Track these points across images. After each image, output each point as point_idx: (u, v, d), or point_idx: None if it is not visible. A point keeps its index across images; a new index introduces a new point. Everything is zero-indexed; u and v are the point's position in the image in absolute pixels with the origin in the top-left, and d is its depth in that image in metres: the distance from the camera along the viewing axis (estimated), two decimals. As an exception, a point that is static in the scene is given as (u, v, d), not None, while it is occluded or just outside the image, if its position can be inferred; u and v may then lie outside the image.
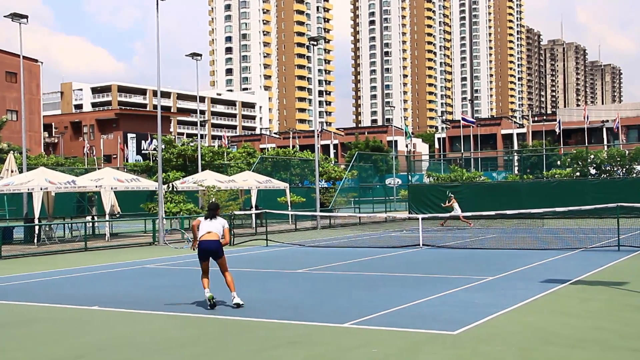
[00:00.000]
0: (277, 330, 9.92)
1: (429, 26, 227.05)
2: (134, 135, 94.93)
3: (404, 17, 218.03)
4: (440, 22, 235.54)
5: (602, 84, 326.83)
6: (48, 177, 27.43)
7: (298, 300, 12.63)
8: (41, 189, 26.43)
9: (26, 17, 29.24)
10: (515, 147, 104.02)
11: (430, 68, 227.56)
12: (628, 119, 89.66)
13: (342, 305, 11.86)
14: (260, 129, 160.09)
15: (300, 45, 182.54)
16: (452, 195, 32.72)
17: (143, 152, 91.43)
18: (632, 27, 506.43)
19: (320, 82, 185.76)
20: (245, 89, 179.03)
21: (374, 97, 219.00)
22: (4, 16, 29.42)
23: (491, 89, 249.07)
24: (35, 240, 26.20)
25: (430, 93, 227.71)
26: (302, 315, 10.96)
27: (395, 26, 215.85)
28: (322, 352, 8.59)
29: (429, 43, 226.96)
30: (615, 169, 44.17)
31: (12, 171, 30.95)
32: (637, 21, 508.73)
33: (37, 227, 26.60)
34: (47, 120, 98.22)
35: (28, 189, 26.79)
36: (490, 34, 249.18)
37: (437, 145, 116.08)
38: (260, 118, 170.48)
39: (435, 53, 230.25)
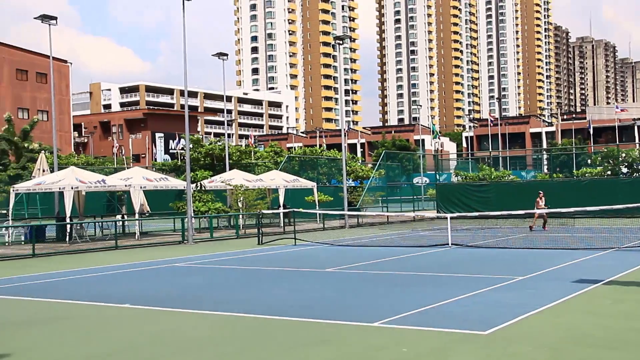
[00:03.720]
0: (306, 329, 9.93)
1: (455, 24, 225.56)
2: (162, 134, 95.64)
3: (429, 15, 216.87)
4: (466, 19, 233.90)
5: (633, 81, 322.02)
6: (78, 176, 27.77)
7: (327, 299, 12.63)
8: (72, 188, 26.76)
9: (55, 18, 29.63)
10: (544, 145, 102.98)
11: (457, 66, 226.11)
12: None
13: (371, 305, 11.84)
14: (287, 128, 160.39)
15: (325, 44, 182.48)
16: (540, 192, 29.95)
17: (171, 151, 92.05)
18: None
19: (346, 81, 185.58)
20: (272, 88, 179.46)
21: (400, 95, 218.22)
22: (34, 18, 29.84)
23: (519, 87, 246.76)
24: (67, 239, 26.53)
25: (457, 92, 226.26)
26: (331, 314, 10.95)
27: (421, 24, 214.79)
28: (352, 352, 8.58)
29: (456, 41, 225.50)
30: (647, 167, 43.55)
31: (43, 170, 31.35)
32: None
33: (68, 226, 26.93)
34: (76, 120, 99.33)
35: (59, 188, 27.15)
36: (517, 32, 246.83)
37: (464, 144, 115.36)
38: (287, 117, 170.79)
39: (461, 51, 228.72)
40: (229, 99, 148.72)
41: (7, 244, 26.58)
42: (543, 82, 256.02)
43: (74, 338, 9.80)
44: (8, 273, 17.86)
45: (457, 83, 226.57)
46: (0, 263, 20.69)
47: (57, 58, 73.47)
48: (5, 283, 15.89)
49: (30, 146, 60.21)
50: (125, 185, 29.12)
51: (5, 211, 32.11)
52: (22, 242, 26.77)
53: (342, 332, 9.68)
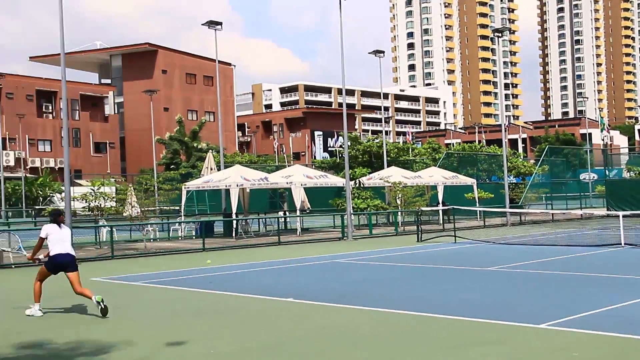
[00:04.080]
0: (470, 329, 9.69)
1: (626, 9, 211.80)
2: (321, 133, 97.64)
3: (596, 1, 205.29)
4: (638, 4, 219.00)
5: None
6: (243, 174, 28.95)
7: (490, 299, 12.28)
8: (237, 186, 27.93)
9: (220, 23, 31.08)
10: None
11: (628, 55, 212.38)
12: None
13: (537, 305, 11.37)
14: (445, 124, 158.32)
15: (484, 37, 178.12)
16: None
17: (329, 149, 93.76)
18: None
19: (505, 74, 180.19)
20: (429, 84, 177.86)
21: (564, 88, 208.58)
22: (201, 24, 31.50)
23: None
24: (234, 234, 27.72)
25: (629, 82, 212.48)
26: (495, 315, 10.62)
27: (587, 12, 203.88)
28: (518, 353, 8.27)
29: (627, 28, 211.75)
30: None
31: (211, 169, 33.01)
32: None
33: (234, 222, 28.13)
34: (240, 120, 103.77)
35: (226, 186, 28.45)
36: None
37: (637, 137, 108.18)
38: (445, 113, 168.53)
39: (633, 38, 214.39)
40: (385, 96, 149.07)
41: (180, 238, 28.24)
42: None
43: (242, 329, 10.19)
44: (181, 266, 18.96)
45: (629, 72, 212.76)
46: (174, 256, 22.01)
47: (222, 61, 77.08)
48: (179, 275, 16.86)
49: (199, 145, 63.73)
50: (287, 183, 29.97)
51: (178, 208, 34.18)
52: (193, 237, 28.33)
53: (508, 333, 9.36)
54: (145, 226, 26.00)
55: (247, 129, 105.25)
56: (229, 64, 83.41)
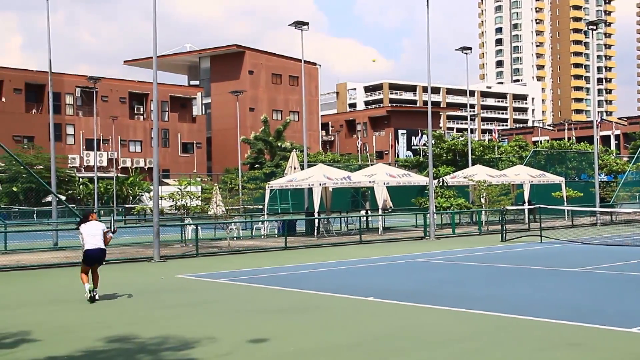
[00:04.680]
0: (555, 331, 9.43)
1: None
2: (405, 131, 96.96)
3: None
4: None
5: None
6: (326, 173, 29.10)
7: (576, 301, 11.91)
8: (320, 185, 28.10)
9: (307, 24, 31.33)
10: None
11: None
12: None
13: (627, 308, 10.95)
14: (533, 121, 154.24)
15: (576, 31, 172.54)
16: None
17: (413, 147, 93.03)
18: None
19: (599, 69, 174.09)
20: (516, 80, 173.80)
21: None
22: (288, 25, 31.83)
23: None
24: (315, 233, 27.90)
25: None
26: (582, 317, 10.30)
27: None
28: (605, 358, 7.99)
29: None
30: None
31: (294, 168, 33.33)
32: None
33: (316, 221, 28.32)
34: (324, 120, 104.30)
35: (309, 185, 28.67)
36: None
37: None
38: (533, 110, 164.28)
39: None
40: (471, 93, 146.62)
41: (262, 236, 28.67)
42: None
43: (323, 327, 10.25)
44: (264, 264, 19.24)
45: None
46: (257, 254, 22.36)
47: (308, 61, 77.62)
48: (262, 273, 17.12)
49: (283, 145, 64.44)
50: (369, 182, 29.94)
51: (261, 206, 34.68)
52: (276, 235, 28.69)
53: (595, 336, 9.06)
54: (229, 224, 26.51)
55: (330, 128, 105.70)
56: (314, 64, 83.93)
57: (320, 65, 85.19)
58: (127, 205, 49.29)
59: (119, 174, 60.54)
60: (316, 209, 28.23)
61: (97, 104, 57.28)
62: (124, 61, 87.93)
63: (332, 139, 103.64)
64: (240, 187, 43.46)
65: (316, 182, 28.00)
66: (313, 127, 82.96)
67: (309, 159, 41.13)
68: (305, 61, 36.60)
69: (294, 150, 40.18)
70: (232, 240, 25.94)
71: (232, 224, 27.63)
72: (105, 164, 65.94)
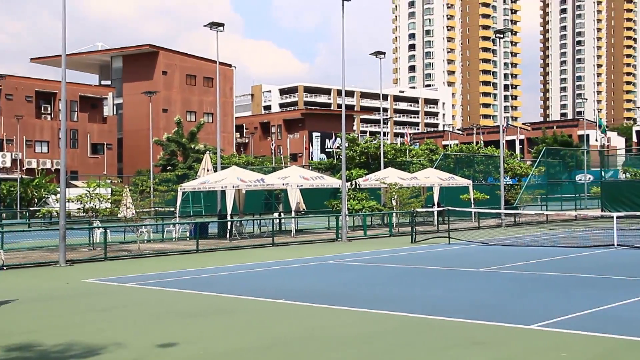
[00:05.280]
0: (460, 330, 9.71)
1: (629, 10, 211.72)
2: (319, 134, 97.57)
3: (599, 2, 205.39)
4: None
5: None
6: (239, 175, 28.93)
7: (481, 300, 12.30)
8: (233, 187, 27.92)
9: (222, 25, 31.05)
10: None
11: (629, 56, 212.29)
12: None
13: (528, 306, 11.39)
14: (443, 125, 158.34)
15: (485, 39, 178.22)
16: None
17: (327, 150, 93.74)
18: None
19: (506, 75, 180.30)
20: (428, 85, 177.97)
21: (563, 89, 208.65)
22: (203, 25, 31.46)
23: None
24: (228, 236, 27.69)
25: (628, 83, 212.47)
26: (486, 315, 10.65)
27: (590, 13, 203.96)
28: (508, 355, 8.29)
29: (628, 29, 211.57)
30: None
31: (207, 170, 32.96)
32: None
33: (229, 223, 28.12)
34: (238, 122, 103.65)
35: (222, 187, 28.43)
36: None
37: (634, 139, 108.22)
38: (443, 114, 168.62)
39: (635, 39, 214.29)
40: (385, 97, 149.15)
41: (174, 239, 28.22)
42: None
43: (233, 330, 10.20)
44: (175, 267, 18.95)
45: (629, 74, 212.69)
46: (168, 257, 21.99)
47: (223, 63, 77.06)
48: (172, 276, 16.86)
49: (196, 147, 63.73)
50: (283, 184, 29.95)
51: (173, 209, 34.13)
52: (188, 238, 28.28)
53: (498, 334, 9.38)
54: (138, 227, 25.98)
55: (245, 130, 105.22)
56: (230, 65, 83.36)
57: (235, 67, 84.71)
58: (31, 208, 47.51)
59: (24, 176, 58.29)
60: (229, 211, 28.03)
61: (0, 103, 54.96)
62: (31, 59, 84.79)
63: (247, 141, 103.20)
64: (151, 189, 42.63)
65: (229, 185, 27.81)
66: (227, 129, 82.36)
67: (222, 161, 40.81)
68: (220, 62, 36.28)
69: (208, 152, 39.77)
70: (142, 243, 25.40)
71: (143, 226, 27.08)
72: (8, 165, 63.38)
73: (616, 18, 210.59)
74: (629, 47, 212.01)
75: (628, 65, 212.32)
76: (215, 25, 30.80)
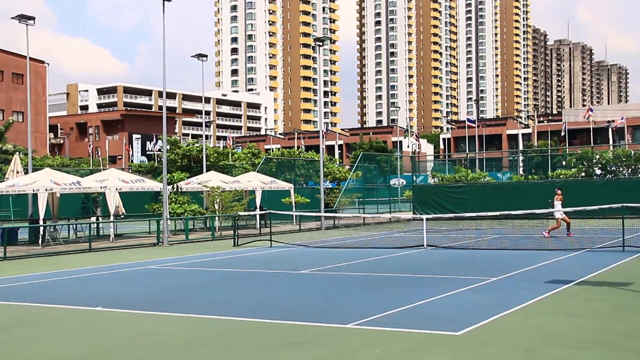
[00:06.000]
0: (281, 331, 9.90)
1: (435, 26, 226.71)
2: (139, 136, 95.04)
3: (409, 17, 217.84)
4: (446, 22, 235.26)
5: (609, 84, 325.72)
6: (53, 178, 27.48)
7: (302, 301, 12.61)
8: (46, 190, 26.47)
9: (33, 18, 29.31)
10: (521, 147, 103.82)
11: (436, 68, 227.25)
12: (634, 119, 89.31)
13: (345, 306, 11.84)
14: (265, 129, 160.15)
15: (305, 45, 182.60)
16: (558, 190, 26.90)
17: (148, 152, 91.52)
18: (634, 28, 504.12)
19: (325, 82, 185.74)
20: (251, 89, 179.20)
21: (379, 97, 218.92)
22: (12, 17, 29.50)
23: (497, 89, 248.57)
24: (40, 241, 26.21)
25: (436, 93, 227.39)
26: (306, 316, 10.94)
27: (401, 26, 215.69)
28: (326, 353, 8.57)
29: (435, 43, 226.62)
30: (620, 169, 43.99)
31: (17, 172, 30.97)
32: (637, 22, 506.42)
33: (41, 228, 26.62)
34: (52, 122, 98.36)
35: (33, 190, 26.84)
36: (496, 34, 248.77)
37: (442, 146, 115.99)
38: (266, 119, 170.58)
39: (441, 53, 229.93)
40: (207, 100, 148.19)
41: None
42: (520, 84, 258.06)
43: (46, 342, 9.69)
44: (-21, 276, 17.62)
45: (436, 85, 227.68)
46: (-29, 266, 20.41)
47: (34, 58, 72.68)
48: (-24, 286, 15.67)
49: (5, 147, 59.54)
50: (101, 187, 28.87)
51: (-23, 214, 31.71)
52: (-5, 245, 26.39)
53: (317, 334, 9.66)
54: None
55: (60, 131, 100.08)
56: (42, 62, 78.82)
57: (48, 64, 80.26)
58: None
59: None
60: (41, 215, 26.50)
61: None
62: None
63: (62, 142, 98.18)
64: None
65: (42, 187, 26.32)
66: (40, 129, 77.79)
67: (34, 163, 38.54)
68: (31, 58, 34.22)
69: (17, 153, 37.37)
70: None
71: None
72: None
73: (424, 32, 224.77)
74: (435, 60, 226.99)
75: (435, 77, 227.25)
76: (24, 18, 29.01)
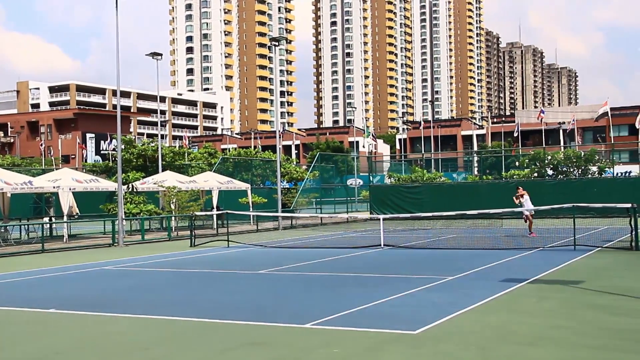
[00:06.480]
0: (239, 332, 9.88)
1: (390, 27, 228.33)
2: (93, 135, 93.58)
3: (365, 18, 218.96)
4: (401, 23, 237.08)
5: (559, 86, 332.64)
6: (3, 177, 26.88)
7: (259, 301, 12.59)
8: (-3, 190, 25.89)
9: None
10: (475, 148, 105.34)
11: (391, 69, 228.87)
12: (584, 121, 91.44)
13: (303, 306, 11.87)
14: (222, 129, 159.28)
15: (261, 45, 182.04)
16: (520, 187, 26.62)
17: (102, 152, 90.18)
18: (583, 32, 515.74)
19: (281, 82, 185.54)
20: (207, 89, 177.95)
21: (335, 97, 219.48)
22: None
23: (451, 90, 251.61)
24: (-9, 242, 25.65)
25: (392, 94, 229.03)
26: (264, 317, 10.94)
27: (357, 27, 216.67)
28: (284, 353, 8.58)
29: (390, 44, 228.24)
30: (571, 169, 44.97)
31: (-35, 172, 30.23)
32: (585, 26, 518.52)
33: (-8, 229, 26.03)
34: (2, 120, 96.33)
35: (-17, 190, 26.22)
36: (450, 36, 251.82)
37: (398, 146, 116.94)
38: (222, 118, 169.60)
39: (396, 54, 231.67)
40: (162, 99, 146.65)
41: None
42: (474, 85, 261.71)
43: (-3, 345, 9.49)
44: None
45: (392, 86, 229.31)
46: None
47: (-18, 55, 70.95)
48: None
49: (-48, 146, 58.02)
50: (53, 187, 28.36)
51: None
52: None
53: (274, 334, 9.66)
54: None
55: (10, 130, 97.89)
56: (-10, 59, 77.11)
57: (-2, 61, 78.43)
58: None
59: None
60: (-8, 216, 25.94)
61: None
62: None
63: (12, 140, 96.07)
64: None
65: (-8, 188, 25.74)
66: (-11, 128, 76.02)
67: (-17, 162, 37.61)
68: (-20, 55, 33.46)
69: (-34, 152, 36.51)
70: None
71: None
72: None
73: (379, 33, 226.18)
74: (391, 61, 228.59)
75: (391, 77, 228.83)
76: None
